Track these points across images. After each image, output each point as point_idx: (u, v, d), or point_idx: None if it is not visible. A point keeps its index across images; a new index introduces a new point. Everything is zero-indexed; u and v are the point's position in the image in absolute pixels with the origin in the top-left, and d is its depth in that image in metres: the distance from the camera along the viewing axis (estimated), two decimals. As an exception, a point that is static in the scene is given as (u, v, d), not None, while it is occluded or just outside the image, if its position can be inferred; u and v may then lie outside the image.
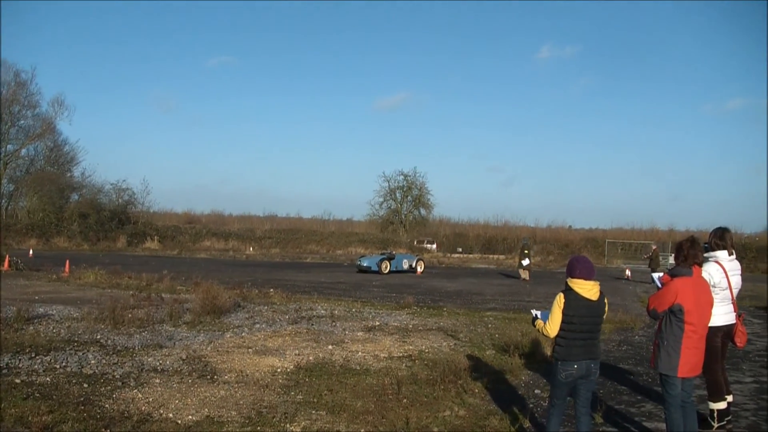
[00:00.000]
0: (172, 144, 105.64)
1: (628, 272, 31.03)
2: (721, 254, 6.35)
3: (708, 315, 5.29)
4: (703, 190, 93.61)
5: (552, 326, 5.12)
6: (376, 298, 17.38)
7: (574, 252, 48.06)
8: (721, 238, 6.43)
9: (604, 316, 5.21)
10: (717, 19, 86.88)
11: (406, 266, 29.13)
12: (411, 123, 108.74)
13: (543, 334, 5.27)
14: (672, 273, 5.41)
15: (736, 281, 6.43)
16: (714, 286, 5.96)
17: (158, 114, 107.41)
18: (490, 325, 12.56)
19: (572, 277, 5.11)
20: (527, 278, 26.41)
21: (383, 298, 17.21)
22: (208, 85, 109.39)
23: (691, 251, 5.32)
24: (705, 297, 5.27)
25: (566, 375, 5.09)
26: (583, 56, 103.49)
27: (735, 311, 6.32)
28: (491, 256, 48.80)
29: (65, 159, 53.67)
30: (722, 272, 6.22)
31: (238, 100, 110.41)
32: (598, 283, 5.17)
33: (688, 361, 5.12)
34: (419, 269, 29.36)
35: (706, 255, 6.25)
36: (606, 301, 5.19)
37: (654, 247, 28.93)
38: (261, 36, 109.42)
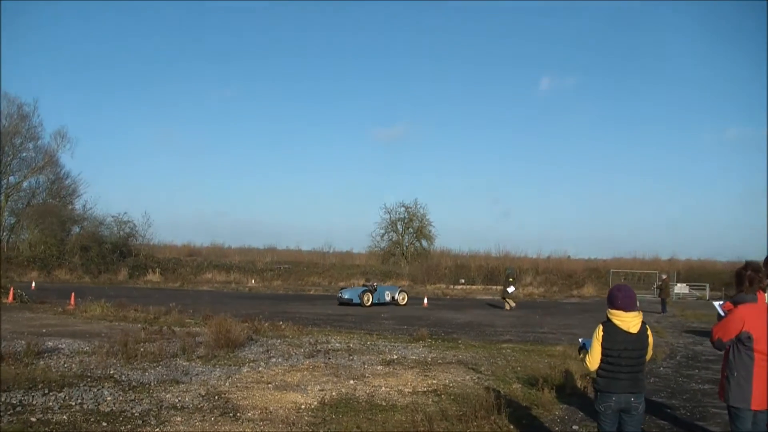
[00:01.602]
0: (170, 175, 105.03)
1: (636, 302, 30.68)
2: None
3: None
4: (703, 219, 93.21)
5: (592, 360, 5.03)
6: (387, 330, 17.04)
7: (578, 282, 47.75)
8: None
9: (649, 349, 5.01)
10: (718, 48, 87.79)
11: (388, 298, 28.07)
12: (411, 154, 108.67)
13: (585, 365, 5.12)
14: (735, 300, 5.17)
15: None
16: None
17: (157, 146, 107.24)
18: (509, 358, 12.25)
19: (612, 308, 4.96)
20: (513, 306, 26.20)
21: (395, 331, 16.89)
22: (206, 117, 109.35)
23: (755, 276, 5.09)
24: None
25: (604, 407, 4.96)
26: (583, 86, 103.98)
27: None
28: (494, 287, 48.32)
29: (67, 191, 53.36)
30: None
31: (235, 131, 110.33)
32: (641, 314, 5.00)
33: (762, 391, 4.87)
34: (402, 301, 28.27)
35: None
36: (649, 333, 5.01)
37: (664, 276, 28.78)
38: (258, 66, 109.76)
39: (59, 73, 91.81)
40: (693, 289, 41.71)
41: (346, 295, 27.50)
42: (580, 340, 5.51)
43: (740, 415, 4.94)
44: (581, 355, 5.32)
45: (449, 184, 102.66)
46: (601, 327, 4.98)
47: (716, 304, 6.23)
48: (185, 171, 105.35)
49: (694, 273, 47.15)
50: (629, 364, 4.88)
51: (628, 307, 4.92)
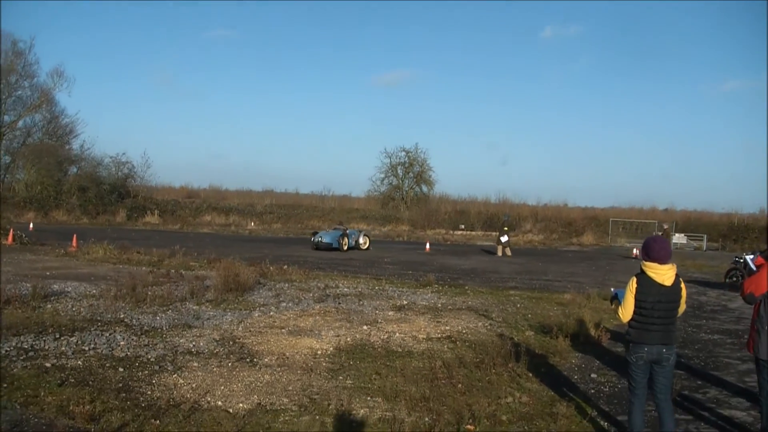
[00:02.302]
0: (169, 117, 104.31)
1: (635, 251, 30.75)
2: None
3: None
4: (699, 171, 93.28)
5: (625, 311, 5.00)
6: (393, 275, 16.98)
7: (578, 230, 47.65)
8: None
9: (682, 302, 4.92)
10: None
11: (353, 242, 27.05)
12: (412, 99, 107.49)
13: (617, 316, 5.04)
14: (767, 256, 5.03)
15: None
16: None
17: (156, 87, 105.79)
18: (519, 305, 12.22)
19: (647, 261, 4.84)
20: (509, 254, 26.08)
21: (401, 276, 16.83)
22: (206, 59, 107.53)
23: None
24: None
25: (636, 358, 4.96)
26: (585, 36, 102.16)
27: None
28: (493, 233, 48.37)
29: (63, 131, 52.35)
30: None
31: (235, 74, 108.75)
32: (674, 267, 4.88)
33: None
34: (363, 245, 27.24)
35: None
36: (683, 286, 4.92)
37: (665, 226, 28.75)
38: (260, 9, 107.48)
39: (57, 12, 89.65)
40: (690, 239, 41.86)
41: (326, 239, 26.16)
42: (612, 290, 5.47)
43: None
44: (613, 306, 5.27)
45: (449, 130, 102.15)
46: (635, 279, 4.93)
47: (748, 258, 6.09)
48: (183, 113, 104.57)
49: (691, 224, 47.32)
50: (662, 316, 4.84)
51: (663, 259, 4.84)
